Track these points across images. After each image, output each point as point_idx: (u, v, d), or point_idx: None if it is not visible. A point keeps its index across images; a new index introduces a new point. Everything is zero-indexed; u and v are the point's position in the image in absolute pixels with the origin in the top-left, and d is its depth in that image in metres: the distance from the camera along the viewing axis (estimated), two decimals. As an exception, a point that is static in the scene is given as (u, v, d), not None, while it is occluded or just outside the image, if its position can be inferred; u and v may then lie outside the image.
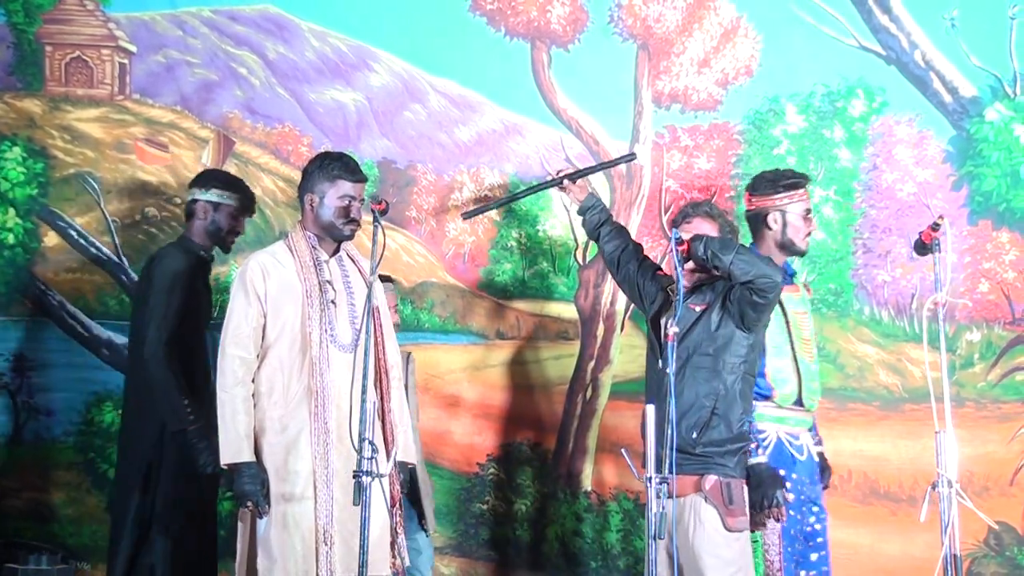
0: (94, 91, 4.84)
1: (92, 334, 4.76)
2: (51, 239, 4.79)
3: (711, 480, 3.58)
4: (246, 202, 4.19)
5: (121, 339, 4.75)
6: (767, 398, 3.73)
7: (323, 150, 3.86)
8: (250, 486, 3.46)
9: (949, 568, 3.36)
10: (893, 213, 4.43)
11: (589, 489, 4.60)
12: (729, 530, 3.57)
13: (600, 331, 4.63)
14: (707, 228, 3.74)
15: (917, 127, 4.46)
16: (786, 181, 3.80)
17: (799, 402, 3.74)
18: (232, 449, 3.49)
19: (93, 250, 4.79)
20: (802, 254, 3.84)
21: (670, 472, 3.28)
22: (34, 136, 4.81)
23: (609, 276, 4.63)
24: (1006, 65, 4.39)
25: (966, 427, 4.07)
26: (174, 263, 4.03)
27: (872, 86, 4.47)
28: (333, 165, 3.63)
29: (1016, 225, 4.42)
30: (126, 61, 4.84)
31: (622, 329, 4.63)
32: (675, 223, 3.80)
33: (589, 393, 4.63)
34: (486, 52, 4.65)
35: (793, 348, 3.73)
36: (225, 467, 3.53)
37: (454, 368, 4.69)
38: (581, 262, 4.64)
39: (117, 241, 4.78)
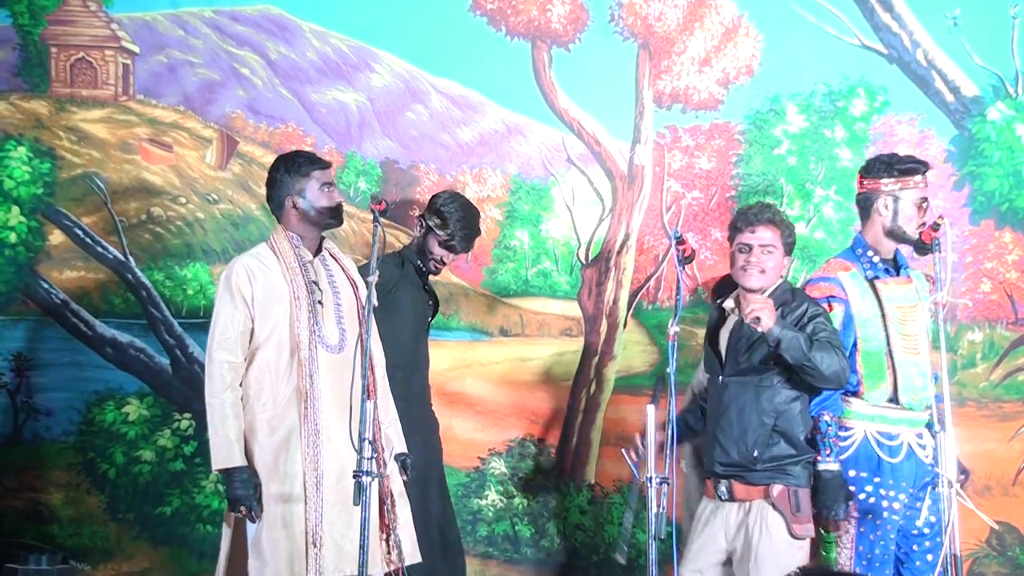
0: (98, 92, 4.82)
1: (96, 333, 4.76)
2: (56, 238, 4.78)
3: (778, 488, 3.56)
4: (454, 240, 4.00)
5: (125, 337, 4.76)
6: (855, 394, 3.59)
7: (277, 156, 3.80)
8: (242, 490, 3.43)
9: (949, 568, 3.34)
10: (894, 213, 4.40)
11: (592, 482, 4.60)
12: (795, 537, 3.55)
13: (603, 328, 4.61)
14: (770, 236, 3.61)
15: (919, 127, 4.42)
16: (902, 166, 3.62)
17: (895, 400, 3.58)
18: (223, 454, 3.46)
19: (99, 249, 4.78)
20: (911, 243, 3.61)
21: (670, 471, 3.30)
22: (41, 136, 4.79)
23: (611, 275, 4.62)
24: (1008, 64, 4.34)
25: (967, 427, 4.03)
26: (386, 272, 3.90)
27: (873, 85, 4.42)
28: (299, 162, 3.62)
29: (1019, 225, 4.37)
30: (129, 62, 4.81)
31: (624, 325, 4.61)
32: (737, 228, 3.65)
33: (593, 388, 4.62)
34: (487, 52, 4.61)
35: (889, 343, 3.57)
36: (217, 472, 3.52)
37: (459, 365, 4.68)
38: (584, 261, 4.62)
39: (124, 240, 4.76)
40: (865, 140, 4.44)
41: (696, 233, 4.50)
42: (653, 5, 4.53)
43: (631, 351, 4.60)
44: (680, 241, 3.63)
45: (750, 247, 3.60)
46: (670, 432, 3.31)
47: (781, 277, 3.66)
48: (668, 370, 3.39)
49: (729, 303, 3.75)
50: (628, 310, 4.60)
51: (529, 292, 4.67)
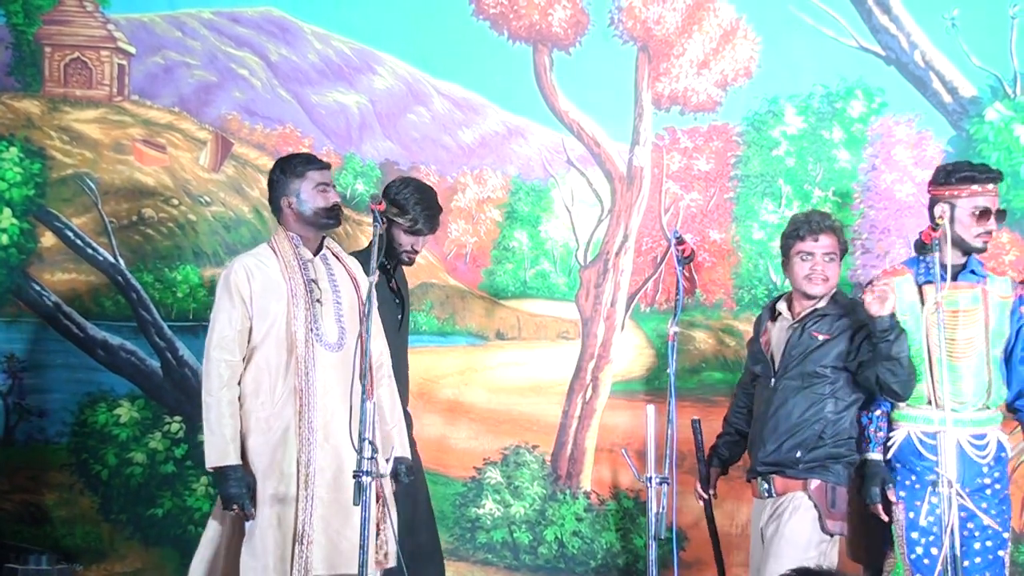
0: (93, 92, 4.86)
1: (88, 335, 4.79)
2: (48, 239, 4.81)
3: (816, 482, 3.68)
4: (419, 223, 3.97)
5: (116, 340, 4.79)
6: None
7: (277, 159, 3.86)
8: (235, 489, 3.48)
9: (949, 568, 3.39)
10: (892, 214, 4.46)
11: (589, 489, 4.63)
12: (824, 532, 3.64)
13: (601, 330, 4.66)
14: (831, 244, 3.77)
15: (916, 127, 4.50)
16: (960, 174, 3.70)
17: (932, 402, 3.65)
18: (218, 453, 3.51)
19: (89, 251, 4.81)
20: (978, 251, 3.70)
21: (670, 471, 3.35)
22: (32, 136, 4.82)
23: (609, 276, 4.68)
24: (1006, 65, 4.42)
25: (965, 425, 4.09)
26: None
27: (871, 87, 4.51)
28: (296, 162, 3.70)
29: (1016, 225, 4.44)
30: (125, 62, 4.86)
31: (622, 328, 4.66)
32: (799, 236, 3.76)
33: (589, 393, 4.66)
34: (489, 55, 4.69)
35: (928, 347, 3.64)
36: (211, 470, 3.56)
37: (452, 371, 4.72)
38: (582, 262, 4.68)
39: (114, 242, 4.79)
40: (863, 141, 4.53)
41: (694, 234, 4.57)
42: (652, 9, 4.63)
43: (628, 355, 4.64)
44: (680, 241, 3.73)
45: (813, 255, 3.74)
46: (670, 433, 3.37)
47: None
48: (668, 371, 3.46)
49: (782, 306, 3.86)
50: (626, 312, 4.65)
51: (527, 294, 4.72)
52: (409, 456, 3.79)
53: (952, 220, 3.68)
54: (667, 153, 4.64)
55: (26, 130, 4.83)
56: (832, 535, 3.68)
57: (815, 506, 3.66)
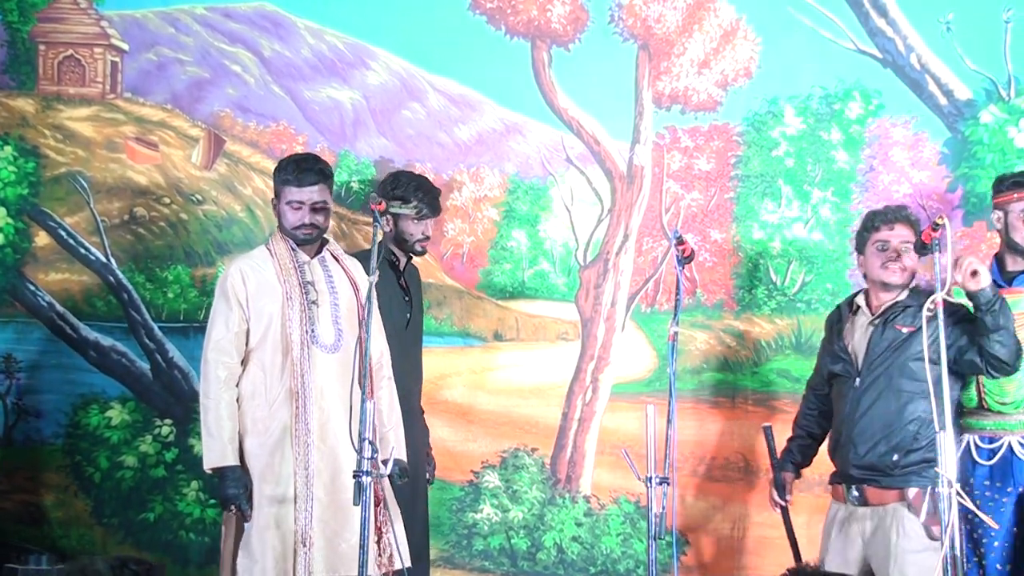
0: (86, 90, 4.93)
1: (80, 336, 4.87)
2: (42, 239, 4.89)
3: (914, 491, 3.73)
4: (424, 209, 4.16)
5: (108, 341, 4.85)
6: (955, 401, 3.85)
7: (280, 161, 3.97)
8: (233, 490, 3.60)
9: (949, 568, 3.49)
10: (889, 214, 4.62)
11: (588, 493, 4.71)
12: (932, 538, 3.69)
13: (600, 332, 4.74)
14: (907, 234, 3.85)
15: (913, 129, 4.59)
16: (1010, 180, 3.96)
17: (980, 405, 3.82)
18: (216, 454, 3.63)
19: (82, 250, 4.89)
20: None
21: (670, 472, 3.47)
22: (25, 135, 4.91)
23: (609, 276, 4.75)
24: (1000, 68, 4.51)
25: (963, 425, 4.21)
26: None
27: (869, 88, 4.62)
28: (284, 171, 3.81)
29: (1012, 226, 4.59)
30: (118, 59, 4.93)
31: (623, 329, 4.74)
32: (874, 227, 3.87)
33: (589, 395, 4.73)
34: (486, 51, 4.76)
35: None
36: (209, 472, 3.68)
37: (450, 372, 4.80)
38: (582, 262, 4.77)
39: (106, 242, 4.88)
40: (861, 142, 4.63)
41: (695, 234, 4.66)
42: (653, 7, 4.72)
43: (628, 356, 4.72)
44: (680, 241, 3.80)
45: (889, 243, 3.83)
46: (670, 434, 3.49)
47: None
48: (669, 370, 3.57)
49: (860, 299, 3.92)
50: (626, 313, 4.73)
51: (525, 294, 4.79)
52: (404, 459, 3.89)
53: (1006, 225, 3.93)
54: (668, 152, 4.73)
55: (20, 128, 4.92)
56: (939, 539, 3.66)
57: (917, 516, 3.71)
